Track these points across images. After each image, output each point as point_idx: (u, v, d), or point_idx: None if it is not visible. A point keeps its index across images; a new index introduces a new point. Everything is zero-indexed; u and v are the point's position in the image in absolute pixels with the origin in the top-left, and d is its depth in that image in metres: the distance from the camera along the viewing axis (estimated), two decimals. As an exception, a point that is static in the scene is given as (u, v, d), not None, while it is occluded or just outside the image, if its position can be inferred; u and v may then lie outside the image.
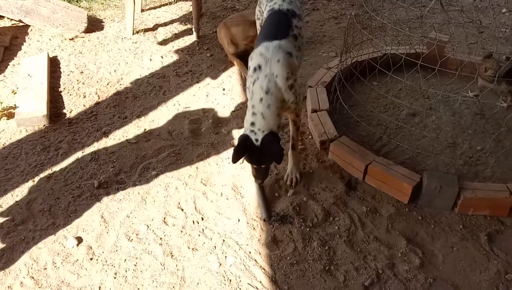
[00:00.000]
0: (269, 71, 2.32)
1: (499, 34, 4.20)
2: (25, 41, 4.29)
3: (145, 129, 3.21)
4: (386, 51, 3.26)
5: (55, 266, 2.24)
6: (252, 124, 2.33)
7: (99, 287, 2.15)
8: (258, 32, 3.02)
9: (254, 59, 2.42)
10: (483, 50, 3.84)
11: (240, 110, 3.39)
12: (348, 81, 3.21)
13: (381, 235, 2.41)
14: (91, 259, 2.28)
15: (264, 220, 2.48)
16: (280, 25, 2.57)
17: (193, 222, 2.48)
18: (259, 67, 2.35)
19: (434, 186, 2.49)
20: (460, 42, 4.03)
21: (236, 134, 3.13)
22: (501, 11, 4.83)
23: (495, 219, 2.49)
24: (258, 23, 2.99)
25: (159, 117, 3.34)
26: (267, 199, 2.60)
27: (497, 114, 3.11)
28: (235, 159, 2.35)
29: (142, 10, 5.06)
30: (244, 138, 2.34)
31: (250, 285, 2.15)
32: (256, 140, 2.31)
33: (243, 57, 3.92)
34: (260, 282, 2.17)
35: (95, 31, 4.56)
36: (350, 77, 3.26)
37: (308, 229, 2.43)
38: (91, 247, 2.34)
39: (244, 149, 2.34)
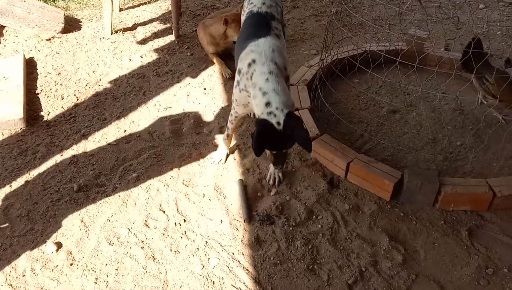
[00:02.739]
0: (266, 59, 2.27)
1: (476, 30, 4.26)
2: (0, 43, 4.19)
3: (125, 131, 3.16)
4: (366, 48, 3.27)
5: (34, 273, 2.19)
6: (268, 104, 2.17)
7: (80, 293, 2.11)
8: None
9: (244, 58, 2.35)
10: (461, 46, 3.88)
11: (222, 110, 3.36)
12: (328, 79, 3.22)
13: (363, 232, 2.42)
14: (71, 264, 2.24)
15: (245, 220, 2.46)
16: (260, 26, 2.54)
17: (175, 224, 2.46)
18: (254, 61, 2.30)
19: (415, 183, 2.51)
20: (439, 39, 4.08)
21: (218, 134, 3.11)
22: (478, 7, 4.90)
23: (475, 213, 2.53)
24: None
25: (139, 118, 3.30)
26: (249, 199, 2.59)
27: (476, 110, 3.15)
28: (259, 152, 2.18)
29: (121, 9, 4.98)
30: (264, 124, 2.16)
31: (234, 286, 2.14)
32: (278, 123, 2.15)
33: (223, 56, 3.89)
34: (244, 283, 2.15)
35: (72, 31, 4.47)
36: (331, 75, 3.27)
37: (291, 229, 2.43)
38: (71, 252, 2.29)
39: (267, 138, 2.18)
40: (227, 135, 2.82)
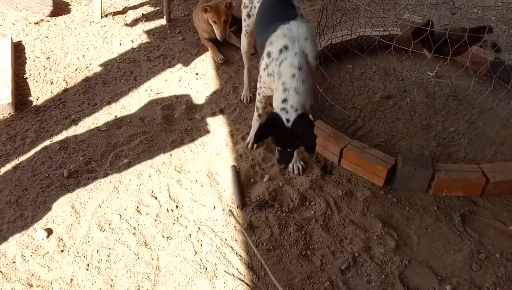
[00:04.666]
0: (299, 49, 2.23)
1: (471, 15, 4.23)
2: (-14, 26, 4.10)
3: (116, 116, 3.11)
4: (360, 33, 3.23)
5: (24, 259, 2.16)
6: (284, 101, 2.17)
7: (71, 279, 2.08)
8: (244, 19, 2.92)
9: (276, 42, 2.31)
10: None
11: (214, 95, 3.32)
12: (322, 64, 3.18)
13: (357, 218, 2.41)
14: (62, 251, 2.21)
15: (238, 207, 2.44)
16: (284, 7, 2.49)
17: (168, 210, 2.43)
18: (286, 48, 2.25)
19: (408, 169, 2.50)
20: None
21: (211, 120, 3.08)
22: (473, -7, 4.86)
23: (468, 199, 2.53)
24: (245, 12, 2.87)
25: (130, 103, 3.25)
26: (242, 186, 2.57)
27: (469, 96, 3.14)
28: (258, 139, 2.21)
29: (111, -7, 4.88)
30: (273, 116, 2.18)
31: (227, 272, 2.12)
32: (288, 120, 2.15)
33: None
34: (237, 269, 2.14)
35: (61, 15, 4.38)
36: (325, 60, 3.23)
37: (284, 214, 2.41)
38: (61, 239, 2.26)
39: (272, 129, 2.20)
40: (259, 116, 2.77)
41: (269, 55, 2.35)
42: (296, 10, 2.48)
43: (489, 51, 3.26)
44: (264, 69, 2.41)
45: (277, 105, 2.22)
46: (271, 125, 2.19)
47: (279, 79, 2.25)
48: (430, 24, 2.87)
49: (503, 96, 3.02)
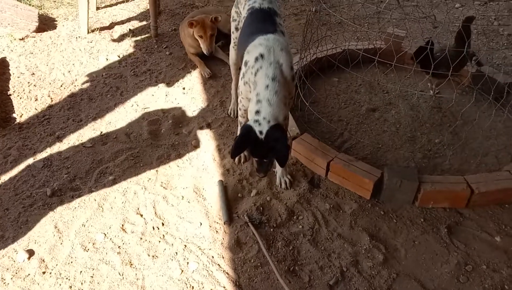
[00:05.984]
0: (274, 59, 2.25)
1: (453, 28, 4.29)
2: (-30, 42, 4.06)
3: (101, 132, 3.08)
4: (345, 47, 3.26)
5: (4, 283, 2.11)
6: (257, 112, 2.19)
7: (54, 301, 2.04)
8: (232, 32, 2.93)
9: (252, 51, 2.32)
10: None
11: (201, 110, 3.31)
12: (308, 78, 3.20)
13: (344, 232, 2.40)
14: (44, 272, 2.16)
15: (225, 223, 2.42)
16: (266, 22, 2.51)
17: (153, 228, 2.40)
18: (262, 56, 2.26)
19: (395, 181, 2.50)
20: (416, 37, 4.11)
21: (198, 134, 3.06)
22: (455, 6, 4.96)
23: (454, 211, 2.53)
24: (233, 24, 2.89)
25: (116, 119, 3.22)
26: (229, 201, 2.55)
27: (453, 107, 3.17)
28: (234, 154, 2.23)
29: (98, 8, 4.89)
30: (247, 130, 2.20)
31: (213, 290, 2.10)
32: (260, 132, 2.17)
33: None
34: (224, 287, 2.11)
35: (47, 30, 4.36)
36: (310, 74, 3.25)
37: (272, 230, 2.40)
38: (43, 260, 2.21)
39: (246, 143, 2.22)
40: None
41: (245, 64, 2.37)
42: (276, 26, 2.50)
43: (471, 65, 3.31)
44: (241, 79, 2.44)
45: (251, 117, 2.24)
46: (246, 139, 2.22)
47: (254, 89, 2.27)
48: (430, 43, 2.89)
49: (485, 108, 3.05)
